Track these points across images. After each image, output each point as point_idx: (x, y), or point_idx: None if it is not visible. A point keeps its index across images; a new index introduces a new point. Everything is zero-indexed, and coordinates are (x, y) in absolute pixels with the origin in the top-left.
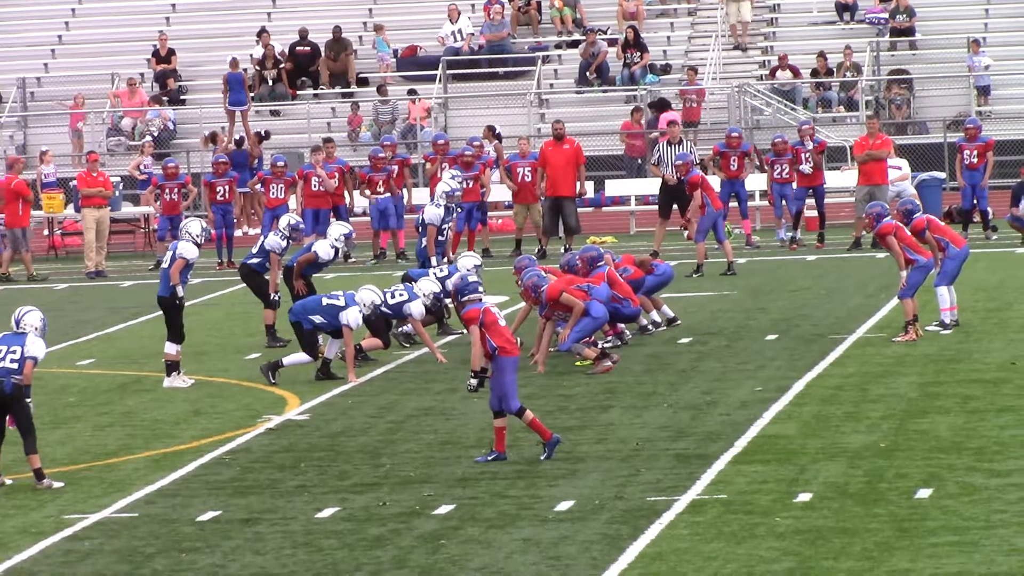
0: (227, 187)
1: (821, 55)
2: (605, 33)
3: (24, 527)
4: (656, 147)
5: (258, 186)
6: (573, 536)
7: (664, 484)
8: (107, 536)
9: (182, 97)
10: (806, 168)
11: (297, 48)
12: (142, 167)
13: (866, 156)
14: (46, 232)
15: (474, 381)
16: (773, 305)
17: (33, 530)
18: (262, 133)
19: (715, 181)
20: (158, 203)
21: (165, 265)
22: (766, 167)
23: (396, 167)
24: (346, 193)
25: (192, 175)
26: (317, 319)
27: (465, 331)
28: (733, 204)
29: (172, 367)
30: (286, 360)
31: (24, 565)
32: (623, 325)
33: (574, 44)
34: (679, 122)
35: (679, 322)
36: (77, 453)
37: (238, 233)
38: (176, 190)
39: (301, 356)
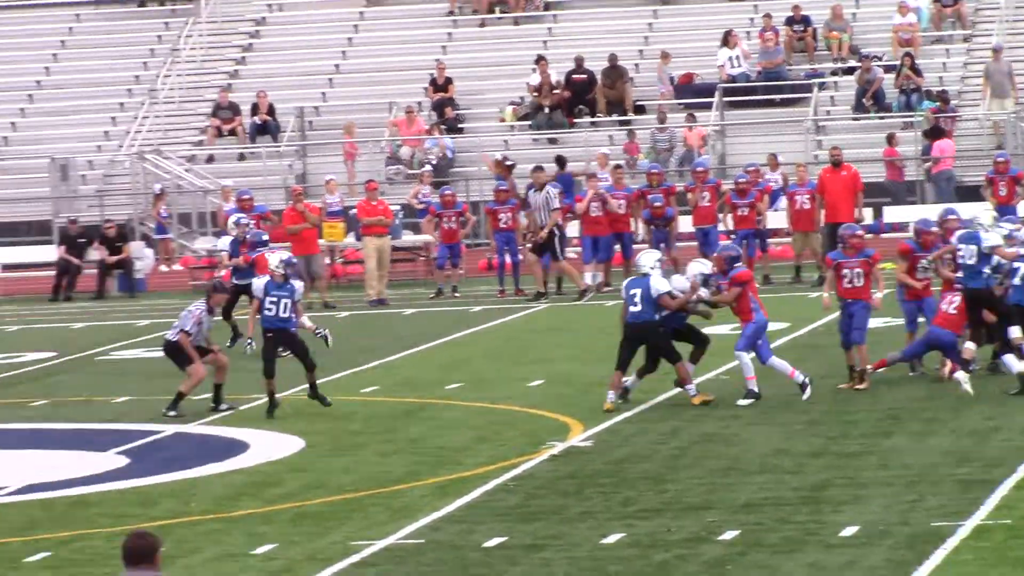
0: (509, 215)
1: None
2: (880, 60)
3: (311, 554)
4: None
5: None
6: (859, 562)
7: (948, 509)
8: (394, 562)
9: (460, 125)
10: None
11: (573, 76)
12: (420, 196)
13: None
14: (327, 261)
15: None
16: None
17: (319, 556)
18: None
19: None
20: (437, 231)
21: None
22: None
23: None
24: (632, 220)
25: (471, 203)
26: None
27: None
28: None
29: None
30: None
31: None
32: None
33: (849, 71)
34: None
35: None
36: (362, 480)
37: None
38: (454, 218)
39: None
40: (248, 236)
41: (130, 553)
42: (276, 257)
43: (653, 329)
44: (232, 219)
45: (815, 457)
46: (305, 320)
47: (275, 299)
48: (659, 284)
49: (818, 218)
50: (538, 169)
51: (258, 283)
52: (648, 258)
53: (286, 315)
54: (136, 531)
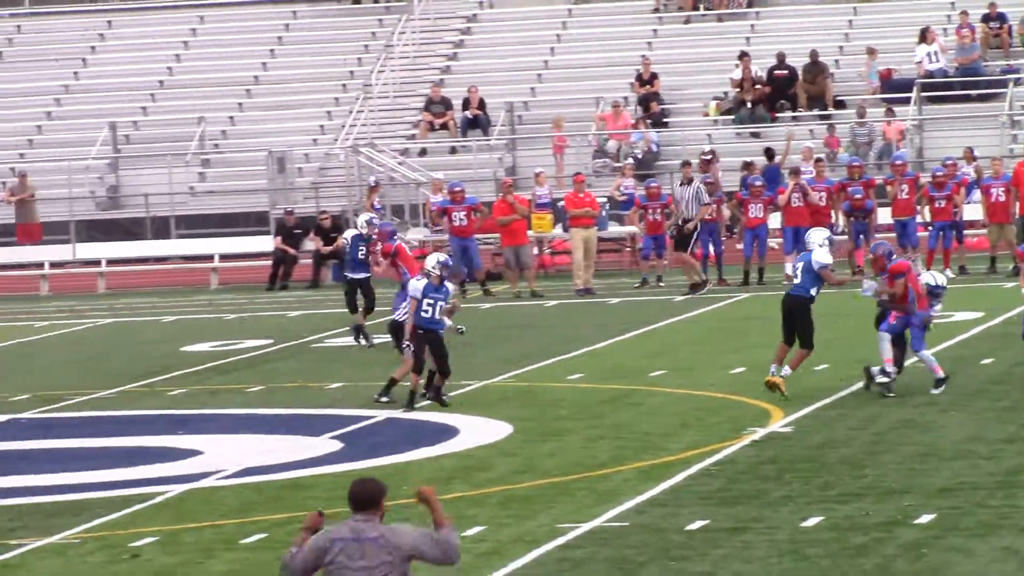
0: (713, 207)
1: None
2: None
3: (518, 536)
4: None
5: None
6: None
7: None
8: (599, 545)
9: (664, 120)
10: None
11: (775, 72)
12: (622, 188)
13: None
14: (536, 251)
15: None
16: None
17: (527, 539)
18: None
19: None
20: (642, 223)
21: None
22: None
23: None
24: (832, 212)
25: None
26: None
27: None
28: None
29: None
30: None
31: (519, 572)
32: None
33: None
34: None
35: None
36: (569, 465)
37: None
38: (659, 210)
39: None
40: (379, 227)
41: (357, 498)
42: (433, 259)
43: (804, 305)
44: (362, 217)
45: (1009, 443)
46: (447, 320)
47: (432, 301)
48: (820, 257)
49: (1013, 210)
50: (686, 165)
51: (416, 285)
52: (818, 235)
53: (440, 317)
54: (361, 477)
